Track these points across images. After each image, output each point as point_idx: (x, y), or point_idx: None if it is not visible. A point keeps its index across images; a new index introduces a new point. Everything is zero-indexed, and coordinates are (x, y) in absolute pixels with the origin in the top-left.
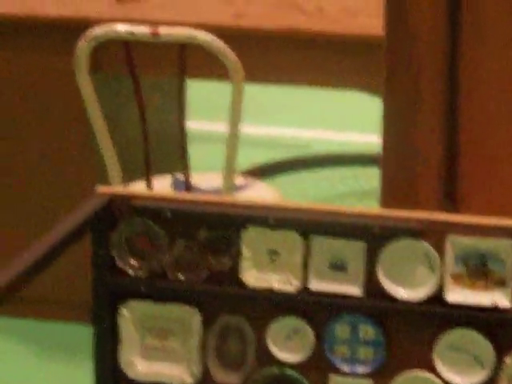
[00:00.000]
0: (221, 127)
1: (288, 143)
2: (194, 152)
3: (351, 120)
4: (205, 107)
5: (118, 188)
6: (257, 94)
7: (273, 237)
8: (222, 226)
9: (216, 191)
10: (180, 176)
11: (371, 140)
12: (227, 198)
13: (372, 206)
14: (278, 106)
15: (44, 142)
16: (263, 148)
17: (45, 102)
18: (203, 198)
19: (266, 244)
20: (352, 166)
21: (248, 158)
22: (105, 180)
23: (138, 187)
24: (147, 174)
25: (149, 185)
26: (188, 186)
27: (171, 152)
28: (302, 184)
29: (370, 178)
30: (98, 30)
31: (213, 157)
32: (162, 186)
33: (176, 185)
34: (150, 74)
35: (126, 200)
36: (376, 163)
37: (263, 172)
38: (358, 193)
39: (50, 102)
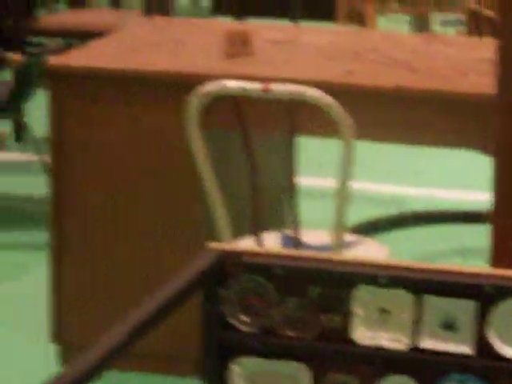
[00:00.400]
0: (329, 183)
1: (387, 199)
2: (303, 208)
3: (451, 177)
4: (313, 163)
5: (228, 244)
6: (361, 149)
7: (383, 295)
8: (332, 284)
9: (325, 248)
10: (289, 232)
11: (471, 197)
12: (338, 256)
13: (477, 264)
14: (378, 162)
15: (155, 197)
16: (364, 204)
17: (155, 156)
18: (314, 255)
19: (377, 302)
20: (454, 224)
21: (351, 214)
22: (214, 235)
23: (248, 243)
24: (256, 230)
25: (258, 241)
26: (297, 243)
27: (279, 208)
28: (404, 241)
29: (473, 235)
30: (210, 86)
31: (320, 213)
32: (271, 242)
33: (285, 241)
34: (259, 130)
35: (237, 256)
36: (478, 221)
37: (369, 228)
38: (461, 251)
39: (161, 156)
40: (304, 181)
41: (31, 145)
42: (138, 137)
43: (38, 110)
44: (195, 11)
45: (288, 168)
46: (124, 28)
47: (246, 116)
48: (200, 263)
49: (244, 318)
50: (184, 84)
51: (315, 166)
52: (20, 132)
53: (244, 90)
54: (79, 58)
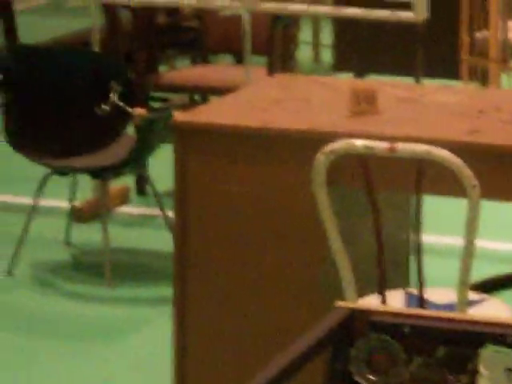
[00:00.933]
0: (453, 241)
1: (508, 257)
2: (427, 266)
3: None
4: (438, 221)
5: (356, 303)
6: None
7: (511, 355)
8: (459, 343)
9: (450, 306)
10: (413, 291)
11: None
12: (465, 315)
13: None
14: (497, 219)
15: (280, 254)
16: (484, 261)
17: (280, 213)
18: (441, 314)
19: (504, 362)
20: None
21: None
22: (338, 294)
23: (373, 302)
24: (382, 288)
25: (383, 300)
26: (422, 302)
27: (403, 266)
28: None
29: None
30: (337, 145)
31: (444, 271)
32: (396, 300)
33: (409, 300)
34: (384, 188)
35: (365, 315)
36: None
37: (490, 286)
38: None
39: (285, 213)
40: (428, 238)
41: (154, 199)
42: (263, 193)
43: (160, 164)
44: (316, 67)
45: (412, 225)
46: (248, 85)
47: (371, 174)
48: (329, 321)
49: (371, 376)
50: (309, 142)
51: (439, 223)
52: (142, 186)
53: (370, 148)
54: (205, 114)
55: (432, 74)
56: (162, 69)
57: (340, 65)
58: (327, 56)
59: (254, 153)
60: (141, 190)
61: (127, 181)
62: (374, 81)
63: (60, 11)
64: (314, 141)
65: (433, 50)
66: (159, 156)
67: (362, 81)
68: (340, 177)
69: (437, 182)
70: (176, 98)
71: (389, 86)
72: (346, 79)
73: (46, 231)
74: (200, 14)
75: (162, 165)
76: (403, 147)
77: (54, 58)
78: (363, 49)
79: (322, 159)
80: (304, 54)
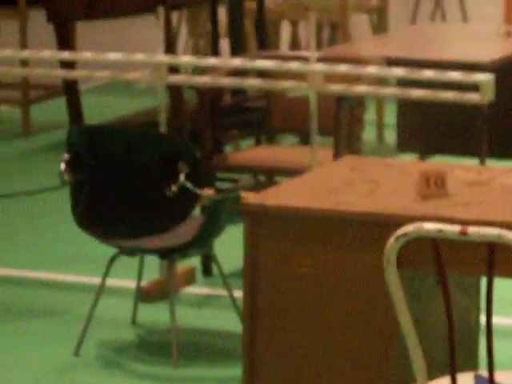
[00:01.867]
0: None
1: None
2: (496, 348)
3: None
4: (507, 303)
5: None
6: None
7: None
8: None
9: None
10: (483, 374)
11: None
12: None
13: None
14: None
15: (350, 336)
16: None
17: (350, 294)
18: None
19: None
20: None
21: None
22: (409, 376)
23: None
24: (453, 372)
25: (453, 383)
26: None
27: (473, 349)
28: None
29: None
30: (408, 229)
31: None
32: (465, 383)
33: (479, 383)
34: (454, 271)
35: None
36: None
37: None
38: None
39: (355, 296)
40: (498, 321)
41: (220, 279)
42: (333, 275)
43: (225, 244)
44: (380, 147)
45: (482, 308)
46: (315, 166)
47: (442, 257)
48: None
49: None
50: (380, 224)
51: (509, 306)
52: (208, 266)
53: (441, 232)
54: (274, 196)
55: (497, 154)
56: (227, 149)
57: (404, 145)
58: (391, 136)
59: (324, 235)
60: (207, 270)
61: (193, 261)
62: (442, 163)
63: (124, 90)
64: (384, 224)
65: (498, 129)
66: (224, 235)
67: (431, 163)
68: (410, 260)
69: (508, 265)
70: (242, 178)
71: (457, 169)
72: (414, 161)
73: (112, 311)
74: (266, 94)
75: (227, 244)
76: (474, 231)
77: (122, 138)
78: (427, 129)
79: (393, 242)
80: (368, 133)
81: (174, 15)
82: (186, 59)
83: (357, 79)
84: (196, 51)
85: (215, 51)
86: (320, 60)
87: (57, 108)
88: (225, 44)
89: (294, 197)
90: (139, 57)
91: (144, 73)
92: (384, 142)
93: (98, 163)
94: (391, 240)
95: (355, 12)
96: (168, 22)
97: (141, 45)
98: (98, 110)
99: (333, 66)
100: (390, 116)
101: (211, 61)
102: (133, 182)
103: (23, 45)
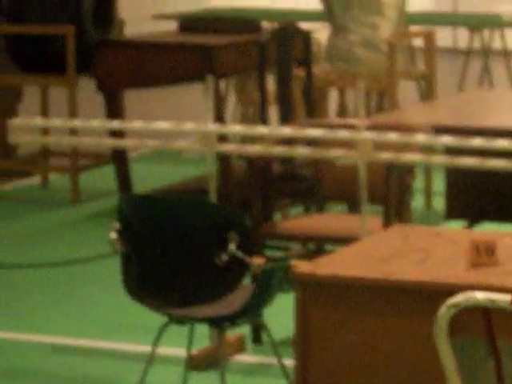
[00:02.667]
0: None
1: None
2: None
3: None
4: None
5: None
6: None
7: None
8: None
9: None
10: None
11: None
12: None
13: None
14: None
15: None
16: None
17: (400, 364)
18: None
19: None
20: None
21: None
22: None
23: None
24: None
25: None
26: None
27: None
28: None
29: None
30: (459, 298)
31: None
32: None
33: None
34: (505, 339)
35: None
36: None
37: None
38: None
39: (406, 365)
40: None
41: (270, 347)
42: (384, 344)
43: (275, 312)
44: (428, 214)
45: None
46: (364, 235)
47: (493, 326)
48: None
49: None
50: (431, 294)
51: None
52: (258, 334)
53: (492, 301)
54: (326, 266)
55: None
56: (276, 216)
57: (453, 212)
58: (439, 203)
59: (376, 304)
60: (257, 338)
61: (243, 328)
62: (491, 231)
63: (172, 158)
64: (435, 293)
65: None
66: (274, 303)
67: (480, 232)
68: (462, 329)
69: None
70: (293, 247)
71: (507, 237)
72: (463, 230)
73: (163, 379)
74: (315, 162)
75: (277, 312)
76: None
77: (172, 207)
78: (476, 196)
79: (444, 312)
80: (416, 201)
81: (222, 82)
82: (235, 128)
83: (406, 147)
84: (244, 118)
85: (264, 118)
86: (369, 128)
87: (105, 175)
88: (273, 111)
89: (345, 266)
90: (188, 126)
91: (193, 142)
92: (432, 209)
93: (149, 232)
94: (442, 309)
95: (403, 79)
96: (217, 90)
97: (189, 112)
98: (147, 178)
99: (382, 134)
100: (438, 183)
101: (261, 130)
102: (183, 251)
103: (72, 113)
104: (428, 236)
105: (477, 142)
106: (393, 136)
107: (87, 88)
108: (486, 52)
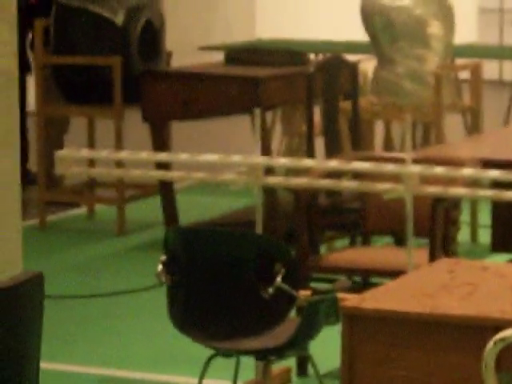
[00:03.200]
0: None
1: None
2: None
3: None
4: None
5: None
6: None
7: None
8: None
9: None
10: None
11: None
12: None
13: None
14: None
15: None
16: None
17: None
18: None
19: None
20: None
21: None
22: None
23: None
24: None
25: None
26: None
27: None
28: None
29: None
30: (507, 333)
31: None
32: None
33: None
34: None
35: None
36: None
37: None
38: None
39: None
40: None
41: (316, 380)
42: (431, 378)
43: (320, 344)
44: (473, 247)
45: None
46: (410, 268)
47: None
48: None
49: None
50: (477, 328)
51: None
52: (304, 367)
53: None
54: (373, 299)
55: None
56: (322, 249)
57: (498, 245)
58: (485, 236)
59: (422, 338)
60: (302, 370)
61: (289, 360)
62: None
63: (218, 189)
64: (482, 327)
65: None
66: (320, 335)
67: None
68: (509, 363)
69: None
70: (339, 280)
71: None
72: (510, 264)
73: None
74: (361, 195)
75: (322, 344)
76: None
77: (218, 239)
78: None
79: (491, 347)
80: (461, 233)
81: (268, 113)
82: (282, 161)
83: (452, 180)
84: (290, 150)
85: (310, 150)
86: (415, 161)
87: (151, 207)
88: (319, 143)
89: (391, 300)
90: (235, 158)
91: (240, 174)
92: (478, 243)
93: (195, 264)
94: (490, 344)
95: (449, 112)
96: (263, 122)
97: (235, 142)
98: (193, 209)
99: (429, 168)
100: (484, 216)
101: (308, 162)
102: (229, 284)
103: (118, 144)
104: (474, 270)
105: None
106: (439, 170)
107: (134, 119)
108: None
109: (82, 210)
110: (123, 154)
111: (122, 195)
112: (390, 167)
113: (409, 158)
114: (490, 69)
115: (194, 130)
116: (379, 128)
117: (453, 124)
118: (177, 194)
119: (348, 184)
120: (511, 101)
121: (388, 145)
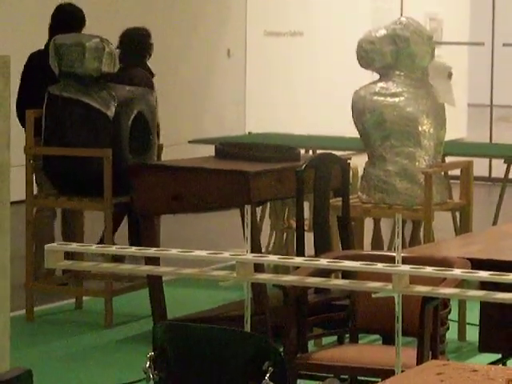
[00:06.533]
0: None
1: None
2: None
3: None
4: None
5: None
6: None
7: None
8: None
9: None
10: None
11: None
12: None
13: None
14: None
15: None
16: None
17: None
18: None
19: None
20: None
21: None
22: None
23: None
24: None
25: None
26: None
27: None
28: None
29: None
30: None
31: None
32: None
33: None
34: None
35: None
36: None
37: None
38: None
39: None
40: None
41: None
42: None
43: None
44: (461, 345)
45: None
46: (398, 368)
47: None
48: None
49: None
50: None
51: None
52: None
53: None
54: None
55: None
56: (309, 346)
57: (487, 345)
58: (473, 335)
59: None
60: None
61: None
62: None
63: (206, 283)
64: None
65: None
66: None
67: None
68: None
69: None
70: (328, 379)
71: None
72: (500, 368)
73: None
74: (350, 293)
75: None
76: None
77: (208, 336)
78: (510, 329)
79: None
80: (449, 331)
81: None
82: (273, 258)
83: (442, 280)
84: (279, 245)
85: (300, 246)
86: (404, 260)
87: (139, 298)
88: (309, 237)
89: None
90: (225, 255)
91: (230, 270)
92: (465, 341)
93: (183, 361)
94: None
95: (438, 210)
96: (253, 217)
97: (225, 235)
98: (181, 302)
99: (419, 268)
100: (472, 314)
101: (298, 260)
102: (218, 381)
103: (109, 236)
104: (464, 373)
105: None
106: (429, 270)
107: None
108: None
109: (70, 301)
110: (113, 249)
111: (110, 287)
112: (380, 267)
113: (399, 258)
114: (480, 166)
115: (183, 223)
116: (369, 225)
117: (441, 222)
118: (165, 285)
119: (338, 282)
120: (501, 198)
121: (377, 242)
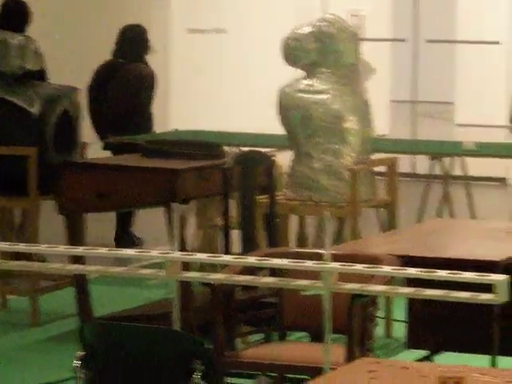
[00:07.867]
0: None
1: None
2: None
3: None
4: None
5: None
6: None
7: None
8: None
9: None
10: None
11: None
12: None
13: None
14: None
15: None
16: None
17: None
18: None
19: None
20: None
21: None
22: None
23: None
24: None
25: None
26: None
27: None
28: None
29: None
30: None
31: None
32: None
33: None
34: None
35: None
36: None
37: None
38: None
39: None
40: None
41: None
42: None
43: None
44: (388, 342)
45: None
46: (327, 365)
47: None
48: None
49: None
50: None
51: None
52: None
53: None
54: None
55: (508, 352)
56: (237, 343)
57: (414, 341)
58: (398, 331)
59: None
60: None
61: None
62: (460, 367)
63: (133, 280)
64: None
65: (509, 326)
66: None
67: (448, 366)
68: None
69: None
70: (259, 378)
71: (475, 371)
72: (431, 365)
73: None
74: (278, 290)
75: None
76: None
77: (136, 335)
78: (437, 326)
79: None
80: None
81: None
82: (201, 257)
83: (370, 277)
84: (205, 242)
85: (226, 243)
86: (333, 257)
87: (65, 297)
88: (235, 234)
89: None
90: (153, 253)
91: (157, 268)
92: (392, 337)
93: (112, 360)
94: None
95: (364, 207)
96: (180, 215)
97: (151, 232)
98: (107, 300)
99: (348, 265)
100: (398, 311)
101: (227, 258)
102: (147, 380)
103: (34, 235)
104: (394, 370)
105: (442, 274)
106: (359, 267)
107: (50, 210)
108: (446, 180)
109: None
110: (41, 248)
111: (35, 286)
112: (310, 264)
113: (328, 255)
114: (404, 162)
115: (109, 220)
116: (294, 222)
117: (367, 218)
118: (91, 283)
119: (267, 280)
120: (425, 194)
121: (302, 239)
